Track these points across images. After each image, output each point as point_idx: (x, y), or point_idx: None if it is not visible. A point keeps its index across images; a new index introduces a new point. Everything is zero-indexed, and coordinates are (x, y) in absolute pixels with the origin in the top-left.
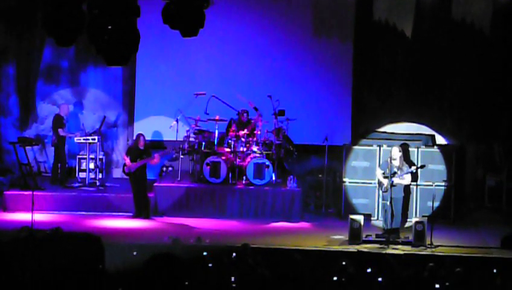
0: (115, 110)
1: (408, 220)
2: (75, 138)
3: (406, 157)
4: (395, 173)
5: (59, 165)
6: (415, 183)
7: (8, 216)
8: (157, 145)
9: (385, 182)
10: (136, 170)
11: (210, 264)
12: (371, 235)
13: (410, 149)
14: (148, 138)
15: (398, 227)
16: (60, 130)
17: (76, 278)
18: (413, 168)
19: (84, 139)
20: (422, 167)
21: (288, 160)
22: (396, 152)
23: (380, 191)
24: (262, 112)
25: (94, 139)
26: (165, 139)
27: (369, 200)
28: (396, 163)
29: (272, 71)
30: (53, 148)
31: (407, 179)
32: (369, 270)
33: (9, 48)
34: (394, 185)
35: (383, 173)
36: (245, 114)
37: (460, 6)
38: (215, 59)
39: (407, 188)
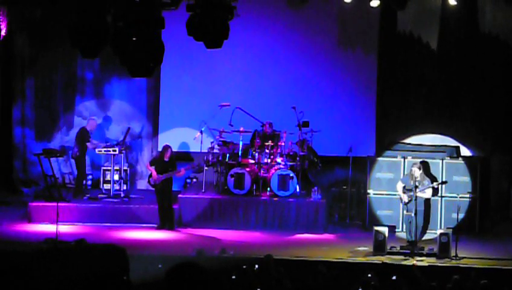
0: (140, 122)
1: (428, 231)
2: (96, 150)
3: (427, 173)
4: (416, 187)
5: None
6: (439, 196)
7: (32, 227)
8: (183, 156)
9: (405, 196)
10: (161, 182)
11: (234, 276)
12: (395, 247)
13: (434, 161)
14: (173, 149)
15: (419, 239)
16: (88, 144)
17: (101, 289)
18: (435, 184)
19: (105, 151)
20: (444, 182)
21: (313, 171)
22: (416, 171)
23: (407, 206)
24: (287, 123)
25: (115, 151)
26: (189, 150)
27: (394, 212)
28: (418, 179)
29: (296, 82)
30: (73, 160)
31: (428, 193)
32: (393, 277)
33: (34, 60)
34: (415, 199)
35: (404, 187)
36: (269, 126)
37: (486, 18)
38: (240, 71)
39: (427, 202)
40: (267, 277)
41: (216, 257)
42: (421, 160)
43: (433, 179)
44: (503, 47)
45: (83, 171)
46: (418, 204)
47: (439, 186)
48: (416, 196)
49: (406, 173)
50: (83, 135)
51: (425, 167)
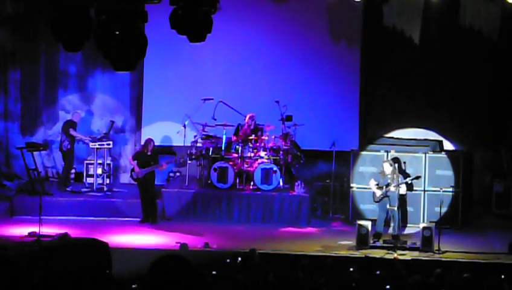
0: (123, 116)
1: (410, 225)
2: (90, 144)
3: (400, 170)
4: (388, 184)
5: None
6: (421, 190)
7: (15, 221)
8: (166, 150)
9: (378, 192)
10: (144, 176)
11: (217, 271)
12: (378, 241)
13: (417, 155)
14: (156, 143)
15: (395, 233)
16: (71, 129)
17: (83, 284)
18: (408, 179)
19: (99, 145)
20: (417, 177)
21: (296, 165)
22: (387, 167)
23: (390, 200)
24: (270, 117)
25: (109, 145)
26: (172, 144)
27: (377, 206)
28: (389, 176)
29: (279, 76)
30: (62, 152)
31: (402, 189)
32: (377, 272)
33: (17, 53)
34: (388, 196)
35: (377, 184)
36: (253, 120)
37: (469, 12)
38: (223, 64)
39: (402, 198)
40: (251, 271)
41: (199, 251)
42: (393, 156)
43: (405, 175)
44: (485, 41)
45: (72, 163)
46: (392, 200)
47: (416, 181)
48: (388, 195)
49: (378, 171)
50: (72, 127)
51: (397, 163)
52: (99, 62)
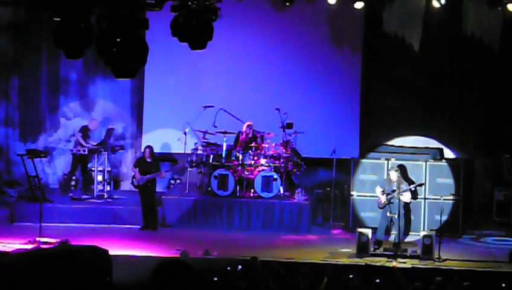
0: (123, 123)
1: (411, 233)
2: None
3: (405, 177)
4: (394, 190)
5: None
6: (422, 198)
7: (15, 228)
8: (167, 158)
9: (383, 198)
10: (145, 183)
11: (218, 278)
12: (378, 249)
13: (418, 163)
14: (157, 150)
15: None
16: (78, 134)
17: None
18: (412, 186)
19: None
20: (421, 185)
21: (296, 173)
22: (394, 175)
23: (390, 207)
24: (271, 124)
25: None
26: (173, 151)
27: (377, 214)
28: (395, 183)
29: (280, 84)
30: (74, 156)
31: (406, 197)
32: (377, 280)
33: (18, 60)
34: (391, 203)
35: (383, 191)
36: (248, 127)
37: (469, 20)
38: (224, 72)
39: (407, 206)
40: (252, 279)
41: (200, 258)
42: (398, 163)
43: (410, 182)
44: (486, 50)
45: (87, 169)
46: (393, 208)
47: (419, 188)
48: (392, 201)
49: (383, 178)
50: (81, 132)
51: (402, 170)
52: (100, 69)
